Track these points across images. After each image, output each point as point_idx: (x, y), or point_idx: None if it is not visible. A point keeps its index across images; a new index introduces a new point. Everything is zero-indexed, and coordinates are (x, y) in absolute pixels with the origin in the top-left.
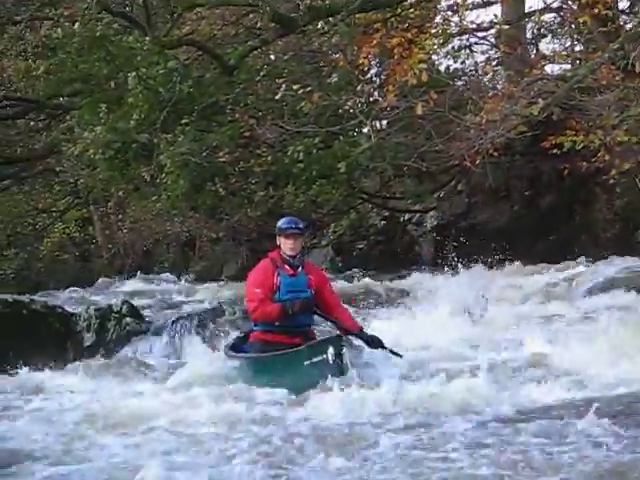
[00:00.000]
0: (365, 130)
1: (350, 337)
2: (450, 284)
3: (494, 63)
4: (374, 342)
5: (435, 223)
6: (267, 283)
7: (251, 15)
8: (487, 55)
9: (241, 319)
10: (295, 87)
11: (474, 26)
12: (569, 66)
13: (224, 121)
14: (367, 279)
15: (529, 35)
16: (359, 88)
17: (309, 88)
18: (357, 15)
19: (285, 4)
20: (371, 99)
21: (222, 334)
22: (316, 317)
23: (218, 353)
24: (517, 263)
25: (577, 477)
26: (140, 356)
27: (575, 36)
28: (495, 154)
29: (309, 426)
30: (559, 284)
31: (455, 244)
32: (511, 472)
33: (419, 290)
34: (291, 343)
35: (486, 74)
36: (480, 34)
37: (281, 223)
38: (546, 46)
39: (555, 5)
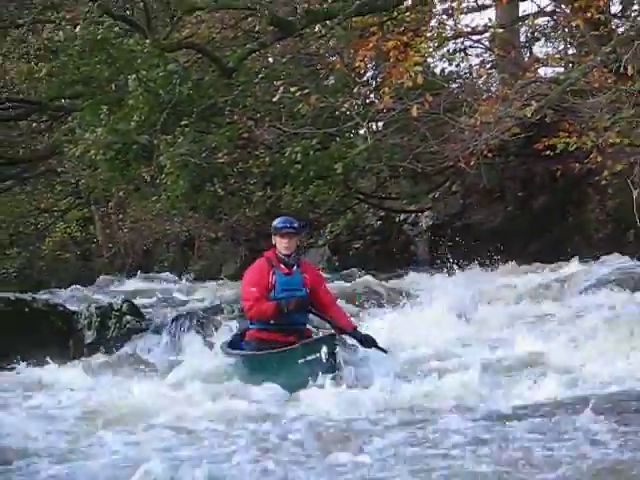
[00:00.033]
0: (361, 132)
1: (344, 336)
2: (445, 283)
3: (488, 66)
4: (367, 341)
5: (430, 223)
6: (262, 282)
7: (250, 19)
8: (481, 58)
9: (239, 317)
10: (293, 89)
11: (469, 29)
12: (562, 69)
13: (223, 123)
14: (363, 278)
15: (523, 38)
16: (356, 90)
17: (306, 90)
18: (354, 19)
19: (283, 8)
20: (367, 101)
21: (220, 332)
22: (311, 316)
23: (216, 351)
24: (511, 263)
25: (573, 474)
26: (140, 353)
27: (568, 39)
28: (489, 155)
29: (304, 423)
30: (552, 284)
31: (450, 244)
32: (507, 469)
33: (414, 289)
34: (286, 341)
35: (480, 77)
36: (475, 37)
37: (276, 222)
38: (539, 49)
39: (548, 9)
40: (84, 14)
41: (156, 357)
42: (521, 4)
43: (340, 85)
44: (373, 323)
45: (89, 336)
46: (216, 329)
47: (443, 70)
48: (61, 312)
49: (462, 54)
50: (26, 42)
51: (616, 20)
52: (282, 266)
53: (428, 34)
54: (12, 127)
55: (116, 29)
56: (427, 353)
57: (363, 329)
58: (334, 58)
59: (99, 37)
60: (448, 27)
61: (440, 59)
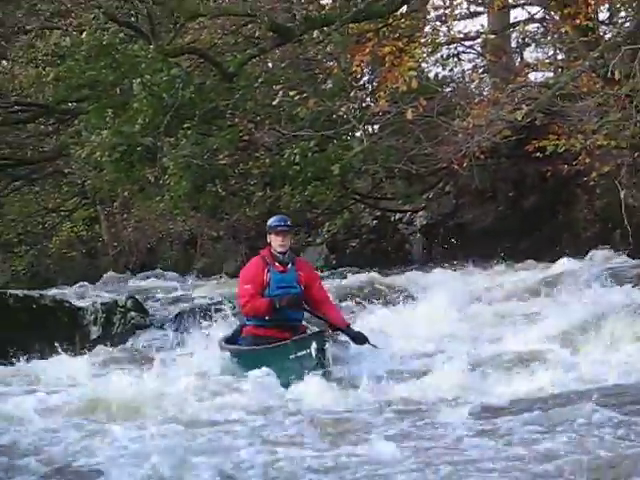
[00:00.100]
0: (358, 134)
1: (337, 332)
2: (438, 281)
3: (480, 71)
4: (359, 338)
5: (424, 222)
6: (257, 279)
7: (250, 25)
8: (474, 63)
9: (239, 314)
10: (291, 93)
11: (462, 36)
12: (552, 74)
13: (224, 125)
14: (359, 276)
15: (514, 44)
16: (352, 94)
17: (305, 94)
18: (350, 25)
19: (282, 14)
20: (363, 105)
21: (221, 328)
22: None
23: (215, 346)
24: (502, 261)
25: (573, 467)
26: (144, 348)
27: (557, 45)
28: (481, 157)
29: (298, 417)
30: (543, 280)
31: (443, 243)
32: (506, 462)
33: (409, 286)
34: (281, 337)
35: (473, 81)
36: (467, 43)
37: (271, 221)
38: (530, 55)
39: (538, 16)
40: (90, 21)
41: (159, 352)
42: (512, 11)
43: (337, 89)
44: (367, 320)
45: (95, 331)
46: (217, 325)
47: (437, 75)
48: (68, 308)
49: (455, 59)
50: (34, 47)
51: (604, 27)
52: (277, 264)
53: (422, 40)
54: (21, 129)
55: (121, 35)
56: (420, 349)
57: (357, 326)
58: (331, 63)
59: (105, 43)
60: (442, 33)
61: (434, 64)
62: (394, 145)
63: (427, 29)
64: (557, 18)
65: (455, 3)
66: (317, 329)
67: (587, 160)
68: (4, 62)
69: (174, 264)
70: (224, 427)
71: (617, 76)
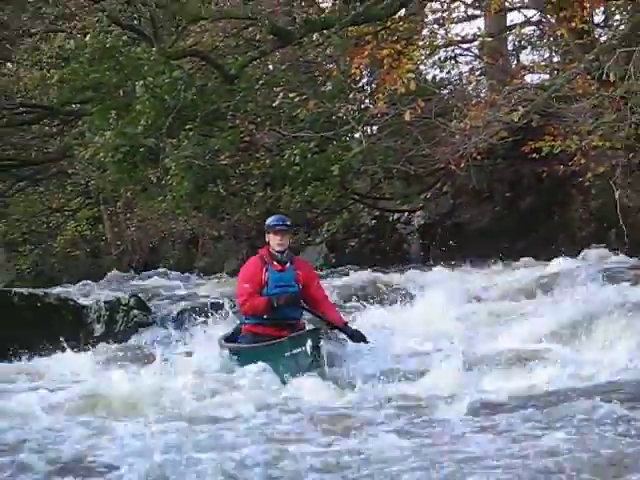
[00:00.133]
0: (357, 135)
1: (335, 330)
2: (436, 280)
3: (477, 73)
4: (357, 336)
5: (422, 222)
6: (255, 278)
7: (251, 28)
8: (471, 65)
9: (239, 312)
10: (292, 95)
11: (459, 38)
12: (547, 76)
13: (225, 127)
14: (358, 274)
15: (510, 47)
16: (351, 96)
17: (305, 96)
18: (349, 28)
19: (282, 18)
20: (362, 106)
21: (221, 326)
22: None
23: (216, 344)
24: (499, 260)
25: (572, 463)
26: (146, 346)
27: (553, 48)
28: (478, 158)
29: (295, 414)
30: (539, 279)
31: (441, 242)
32: (506, 458)
33: (407, 285)
34: (279, 335)
35: (470, 83)
36: (464, 46)
37: (270, 221)
38: (526, 57)
39: (535, 19)
40: (94, 24)
41: (161, 349)
42: (509, 14)
43: (337, 91)
44: (366, 318)
45: (98, 329)
46: (217, 323)
47: (434, 77)
48: (72, 306)
49: (452, 62)
50: (39, 50)
51: (599, 29)
52: (275, 263)
53: (420, 43)
54: (25, 131)
55: (124, 38)
56: (418, 347)
57: (355, 324)
58: (331, 65)
59: (108, 45)
60: (439, 36)
61: (432, 66)
62: (392, 146)
63: (425, 32)
64: (553, 21)
65: (452, 6)
66: (312, 327)
67: (582, 161)
68: (9, 64)
69: (176, 263)
70: (224, 424)
71: (612, 78)
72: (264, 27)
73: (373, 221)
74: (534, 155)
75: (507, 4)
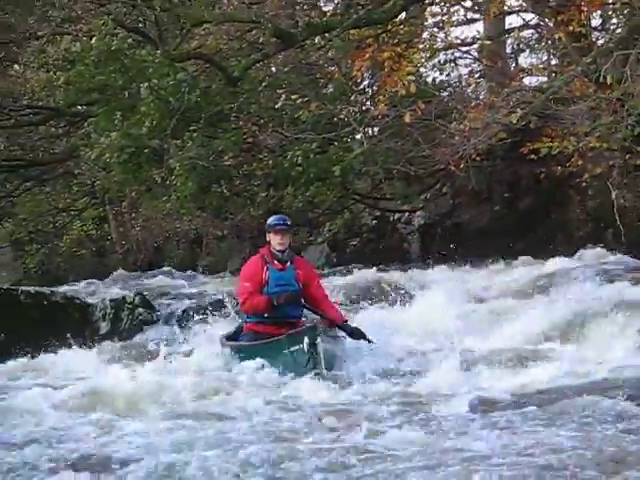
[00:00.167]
0: (358, 137)
1: (335, 328)
2: (435, 279)
3: (477, 75)
4: (356, 334)
5: (422, 222)
6: (256, 277)
7: (254, 31)
8: (470, 68)
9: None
10: (294, 97)
11: (458, 41)
12: (546, 78)
13: (229, 128)
14: (359, 273)
15: (509, 50)
16: (353, 98)
17: (307, 98)
18: (351, 31)
19: (285, 21)
20: (363, 108)
21: (223, 324)
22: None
23: (217, 342)
24: (498, 260)
25: (575, 460)
26: (151, 343)
27: (551, 51)
28: (477, 159)
29: (296, 411)
30: (537, 279)
31: (440, 242)
32: (507, 456)
33: (407, 284)
34: (279, 333)
35: (469, 85)
36: (464, 49)
37: (270, 220)
38: (525, 60)
39: (533, 22)
40: (100, 27)
41: (165, 347)
42: (507, 18)
43: (338, 93)
44: (366, 316)
45: (104, 327)
46: (220, 322)
47: (434, 79)
48: (78, 304)
49: (452, 64)
50: (45, 53)
51: (596, 33)
52: (276, 262)
53: (420, 46)
54: (32, 132)
55: (129, 41)
56: (418, 345)
57: (356, 322)
58: (333, 68)
59: (113, 48)
60: (439, 39)
61: (432, 69)
62: (393, 147)
63: (425, 35)
64: (551, 25)
65: (452, 10)
66: (309, 324)
67: (580, 162)
68: (16, 66)
69: (180, 262)
70: (227, 422)
71: (609, 81)
72: (267, 30)
73: (374, 221)
74: (532, 156)
75: (506, 8)
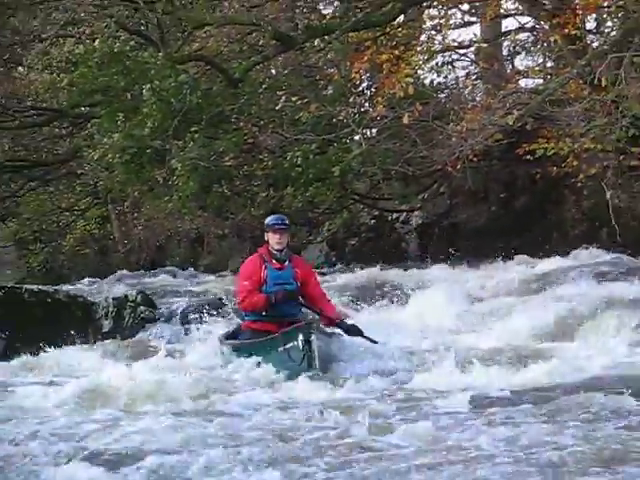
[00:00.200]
0: (357, 138)
1: (332, 326)
2: (433, 277)
3: (474, 77)
4: (353, 331)
5: (420, 222)
6: (255, 276)
7: (254, 34)
8: (467, 70)
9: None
10: (294, 98)
11: (456, 44)
12: (541, 80)
13: (229, 129)
14: (358, 272)
15: (505, 52)
16: (351, 100)
17: (306, 99)
18: (350, 34)
19: (285, 24)
20: (362, 109)
21: (223, 323)
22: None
23: (216, 341)
24: (494, 259)
25: (575, 456)
26: (152, 341)
27: (547, 53)
28: (474, 159)
29: (293, 408)
30: (534, 277)
31: (438, 241)
32: (509, 453)
33: (405, 283)
34: (277, 332)
35: (466, 87)
36: (461, 51)
37: (269, 220)
38: (521, 62)
39: (529, 25)
40: (102, 29)
41: (167, 344)
42: (504, 21)
43: (337, 95)
44: (365, 314)
45: (106, 325)
46: (220, 320)
47: (432, 81)
48: (81, 303)
49: (449, 67)
50: (49, 55)
51: (591, 35)
52: (274, 261)
53: (418, 48)
54: (36, 133)
55: (131, 43)
56: (416, 343)
57: (354, 320)
58: (332, 70)
59: (116, 50)
60: (437, 42)
61: (429, 71)
62: (391, 148)
63: (423, 38)
64: (547, 27)
65: (450, 13)
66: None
67: (575, 163)
68: (20, 68)
69: (182, 261)
70: (225, 419)
71: (603, 83)
72: (267, 33)
73: (372, 221)
74: (528, 157)
75: (502, 11)
